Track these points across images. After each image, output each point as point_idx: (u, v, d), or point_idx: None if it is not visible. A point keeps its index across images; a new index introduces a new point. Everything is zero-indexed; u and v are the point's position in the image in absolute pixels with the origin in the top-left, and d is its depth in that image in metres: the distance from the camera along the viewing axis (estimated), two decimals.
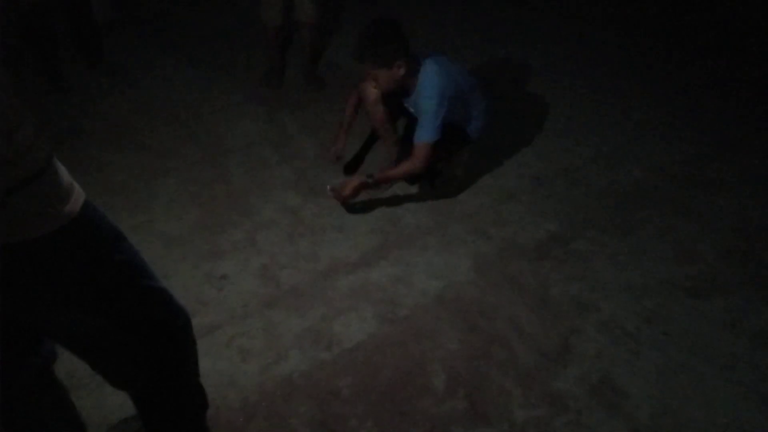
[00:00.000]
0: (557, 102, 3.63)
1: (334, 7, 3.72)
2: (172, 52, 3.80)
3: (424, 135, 2.60)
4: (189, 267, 2.58)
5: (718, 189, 3.07)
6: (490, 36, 4.34)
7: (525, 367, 2.27)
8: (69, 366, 1.84)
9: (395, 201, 2.94)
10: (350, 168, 3.07)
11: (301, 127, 3.34)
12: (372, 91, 2.71)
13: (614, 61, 4.00)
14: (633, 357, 2.32)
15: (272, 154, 3.17)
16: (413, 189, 2.99)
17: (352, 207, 2.87)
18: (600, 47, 4.15)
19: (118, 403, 1.98)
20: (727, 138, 3.38)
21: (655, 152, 3.30)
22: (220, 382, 2.17)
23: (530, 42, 4.27)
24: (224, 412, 2.08)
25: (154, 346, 1.24)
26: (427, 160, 2.63)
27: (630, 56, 4.02)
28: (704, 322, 2.46)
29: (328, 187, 2.76)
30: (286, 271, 2.59)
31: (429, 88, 2.54)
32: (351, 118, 2.91)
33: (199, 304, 2.43)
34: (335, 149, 2.98)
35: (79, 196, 1.03)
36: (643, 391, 2.21)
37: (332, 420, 2.08)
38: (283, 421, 2.07)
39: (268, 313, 2.41)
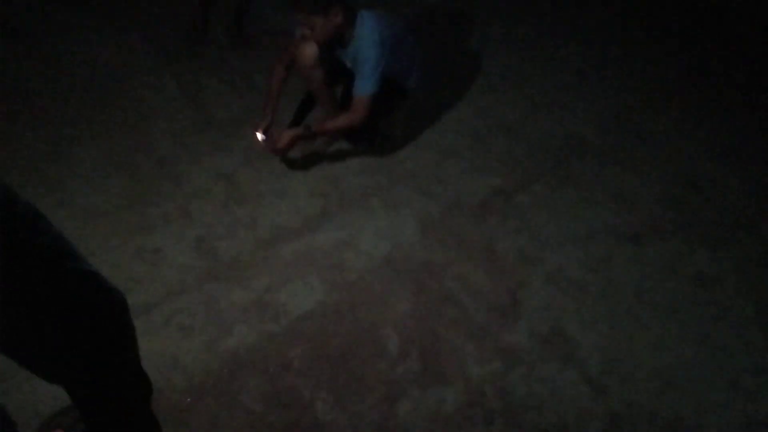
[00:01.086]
0: (492, 52, 3.56)
1: None
2: (83, 10, 3.46)
3: (365, 86, 2.48)
4: (118, 243, 2.40)
5: (652, 139, 3.12)
6: None
7: (476, 323, 2.26)
8: None
9: (335, 160, 2.83)
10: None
11: (227, 87, 3.13)
12: (309, 52, 2.55)
13: (548, 9, 3.94)
14: (581, 306, 2.35)
15: (199, 116, 2.96)
16: (353, 147, 2.88)
17: (290, 162, 2.74)
18: None
19: (52, 395, 1.83)
20: (661, 88, 3.42)
21: (589, 102, 3.31)
22: (162, 363, 2.04)
23: None
24: (169, 395, 1.96)
25: (88, 335, 1.11)
26: (367, 112, 2.52)
27: (567, 3, 3.98)
28: (647, 268, 2.51)
29: (258, 135, 2.59)
30: (225, 242, 2.45)
31: (368, 37, 2.42)
32: (279, 85, 2.68)
33: (131, 281, 2.26)
34: (263, 124, 2.65)
35: None
36: (593, 340, 2.24)
37: (285, 393, 2.00)
38: (233, 398, 1.98)
39: (208, 287, 2.28)
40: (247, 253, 2.42)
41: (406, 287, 2.35)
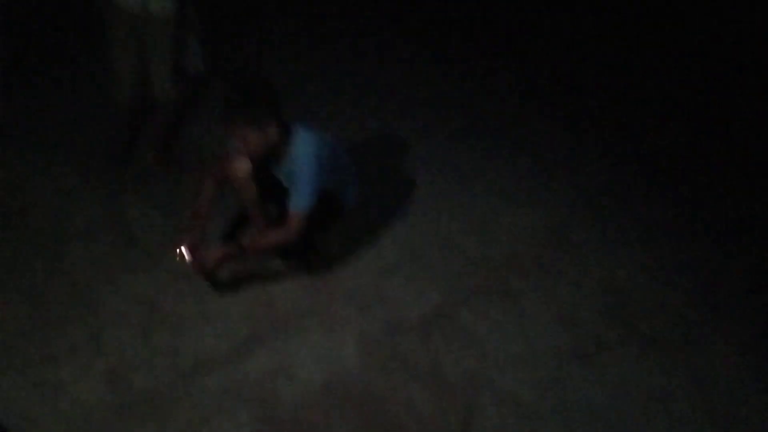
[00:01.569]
0: (426, 172, 3.60)
1: (194, 89, 3.44)
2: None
3: (300, 202, 2.38)
4: (13, 376, 2.08)
5: (583, 250, 3.14)
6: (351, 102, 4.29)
7: None
8: None
9: (268, 280, 2.65)
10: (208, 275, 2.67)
11: (152, 209, 2.94)
12: (242, 166, 2.46)
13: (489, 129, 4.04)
14: (539, 428, 2.18)
15: (120, 238, 2.75)
16: (286, 266, 2.73)
17: (217, 284, 2.54)
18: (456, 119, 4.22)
19: None
20: (584, 200, 3.50)
21: (521, 220, 3.34)
22: None
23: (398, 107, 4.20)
24: None
25: None
26: (302, 229, 2.40)
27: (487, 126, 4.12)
28: (597, 387, 2.40)
29: (184, 252, 2.37)
30: (140, 373, 2.17)
31: (304, 153, 2.36)
32: (209, 202, 2.54)
33: (24, 421, 1.93)
34: (189, 241, 2.42)
35: None
36: None
37: None
38: None
39: (119, 426, 1.98)
40: (165, 385, 2.15)
41: (347, 419, 2.12)
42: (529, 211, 3.42)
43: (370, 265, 2.84)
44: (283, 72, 4.04)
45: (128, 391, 2.10)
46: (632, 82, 4.71)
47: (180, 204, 3.00)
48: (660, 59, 5.01)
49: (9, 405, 1.97)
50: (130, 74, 3.05)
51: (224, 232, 2.70)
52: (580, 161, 3.88)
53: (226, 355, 2.29)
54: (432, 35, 4.99)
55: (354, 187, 2.70)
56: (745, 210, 3.54)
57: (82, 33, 3.84)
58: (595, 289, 2.89)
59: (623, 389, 2.40)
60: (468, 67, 4.60)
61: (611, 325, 2.70)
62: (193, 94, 3.23)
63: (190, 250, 2.42)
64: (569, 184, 3.65)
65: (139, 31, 2.92)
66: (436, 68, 4.56)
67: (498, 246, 3.10)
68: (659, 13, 5.42)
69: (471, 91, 4.36)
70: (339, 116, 3.82)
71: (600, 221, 3.36)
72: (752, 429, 2.32)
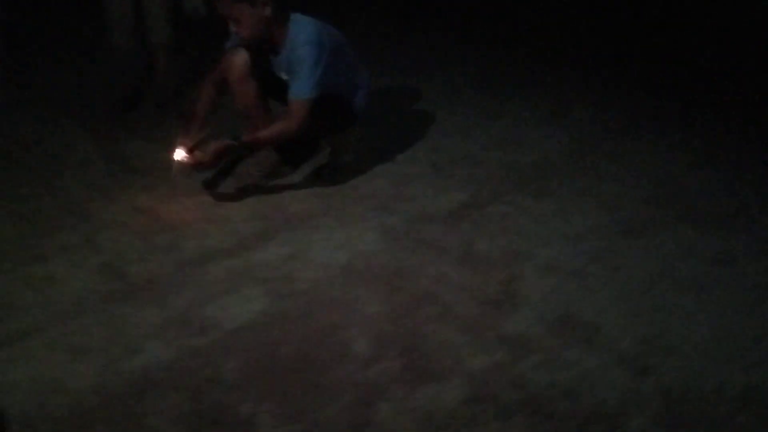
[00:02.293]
0: (441, 97, 3.42)
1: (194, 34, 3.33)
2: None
3: (302, 89, 2.20)
4: (1, 274, 1.86)
5: (618, 154, 2.88)
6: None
7: (466, 317, 1.76)
8: None
9: (277, 190, 2.43)
10: (211, 184, 2.44)
11: (150, 142, 2.74)
12: (239, 60, 2.30)
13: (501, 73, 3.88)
14: (589, 293, 1.90)
15: (116, 166, 2.56)
16: (297, 178, 2.51)
17: (220, 195, 2.33)
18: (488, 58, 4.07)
19: None
20: (610, 118, 3.28)
21: (547, 137, 3.10)
22: (39, 388, 1.44)
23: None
24: (44, 425, 1.34)
25: None
26: (306, 119, 2.20)
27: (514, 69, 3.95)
28: (653, 255, 2.11)
29: (180, 153, 2.18)
30: (137, 266, 1.94)
31: (305, 38, 2.19)
32: (207, 104, 2.36)
33: (8, 309, 1.71)
34: (186, 142, 2.23)
35: None
36: (615, 322, 1.77)
37: (212, 410, 1.41)
38: (137, 422, 1.38)
39: (111, 308, 1.75)
40: (165, 274, 1.91)
41: (372, 291, 1.86)
42: (554, 130, 3.19)
43: (388, 175, 2.61)
44: None
45: (122, 280, 1.87)
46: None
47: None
48: None
49: None
50: (125, 18, 2.96)
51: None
52: (598, 95, 3.67)
53: (233, 248, 2.06)
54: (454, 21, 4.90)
55: (364, 90, 2.51)
56: None
57: None
58: (636, 183, 2.62)
59: (682, 257, 2.10)
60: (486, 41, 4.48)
61: (659, 209, 2.42)
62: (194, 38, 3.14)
63: (187, 150, 2.23)
64: (590, 111, 3.43)
65: None
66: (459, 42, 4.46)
67: (528, 158, 2.86)
68: None
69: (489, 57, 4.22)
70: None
71: (634, 130, 3.12)
72: None
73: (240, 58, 2.31)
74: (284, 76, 2.34)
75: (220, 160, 2.23)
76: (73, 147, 2.70)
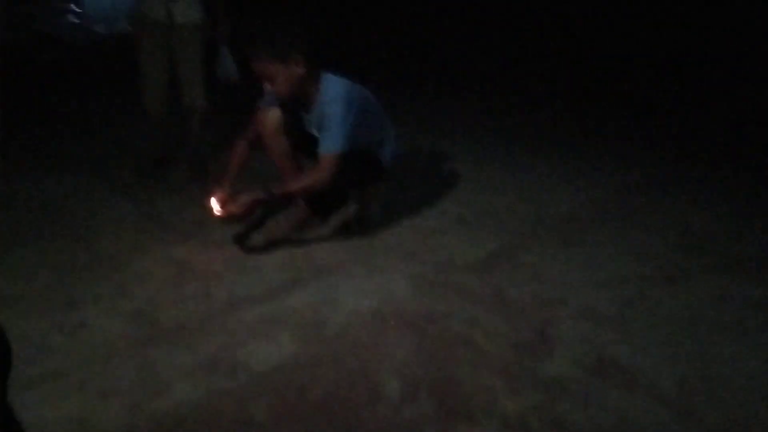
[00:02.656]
0: (468, 155, 3.47)
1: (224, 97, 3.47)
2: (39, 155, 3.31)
3: (331, 144, 2.25)
4: (33, 320, 1.88)
5: (647, 209, 2.87)
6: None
7: (500, 360, 1.72)
8: None
9: (306, 242, 2.45)
10: (242, 237, 2.49)
11: (186, 201, 2.82)
12: (271, 117, 2.39)
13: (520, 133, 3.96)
14: (625, 337, 1.84)
15: (148, 222, 2.61)
16: (326, 230, 2.54)
17: (251, 249, 2.36)
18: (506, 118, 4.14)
19: None
20: (638, 174, 3.29)
21: (577, 190, 3.11)
22: (67, 428, 1.43)
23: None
24: None
25: None
26: (334, 172, 2.24)
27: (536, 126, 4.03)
28: (688, 300, 2.07)
29: (213, 202, 2.24)
30: (168, 312, 1.95)
31: (334, 95, 2.27)
32: (240, 161, 2.44)
33: (43, 351, 1.72)
34: (218, 193, 2.31)
35: None
36: (653, 365, 1.71)
37: None
38: None
39: (143, 352, 1.74)
40: (196, 320, 1.91)
41: (403, 335, 1.83)
42: (580, 185, 3.21)
43: (415, 226, 2.63)
44: None
45: (153, 325, 1.87)
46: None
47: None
48: None
49: (26, 340, 1.76)
50: (160, 84, 3.09)
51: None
52: (622, 151, 3.71)
53: (263, 295, 2.06)
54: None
55: (391, 146, 2.57)
56: None
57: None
58: (663, 233, 2.61)
59: (715, 302, 2.06)
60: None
61: (689, 256, 2.39)
62: (227, 102, 3.25)
63: (219, 201, 2.29)
64: (615, 167, 3.46)
65: (167, 41, 3.01)
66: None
67: (553, 209, 2.87)
68: None
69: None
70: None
71: (657, 184, 3.13)
72: None
73: (273, 115, 2.39)
74: (315, 132, 2.41)
75: (251, 212, 2.27)
76: (107, 205, 2.78)
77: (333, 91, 2.28)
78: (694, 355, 1.74)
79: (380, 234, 2.54)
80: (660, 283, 2.17)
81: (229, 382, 1.61)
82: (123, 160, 3.26)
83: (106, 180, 3.08)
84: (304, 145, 2.47)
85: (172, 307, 1.97)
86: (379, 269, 2.24)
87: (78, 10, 8.33)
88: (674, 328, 1.89)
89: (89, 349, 1.74)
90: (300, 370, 1.66)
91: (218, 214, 2.26)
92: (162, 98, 3.10)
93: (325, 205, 2.51)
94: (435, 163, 3.46)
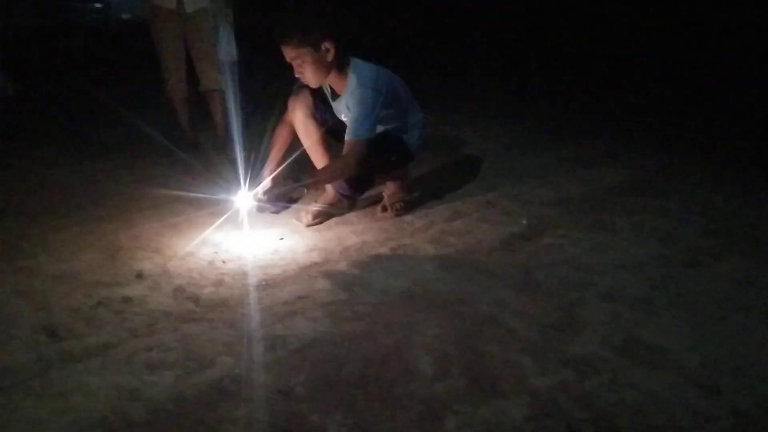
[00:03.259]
0: (496, 142, 3.50)
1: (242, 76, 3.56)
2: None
3: (359, 129, 2.31)
4: (81, 296, 1.98)
5: (670, 191, 2.89)
6: None
7: (528, 339, 1.77)
8: None
9: (335, 225, 2.52)
10: (272, 214, 2.60)
11: (214, 189, 2.88)
12: (302, 103, 2.45)
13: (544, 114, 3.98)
14: (654, 317, 1.88)
15: (184, 206, 2.71)
16: (354, 214, 2.60)
17: (281, 231, 2.43)
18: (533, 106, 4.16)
19: None
20: (662, 161, 3.30)
21: (601, 174, 3.14)
22: (118, 396, 1.51)
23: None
24: (123, 429, 1.40)
25: None
26: (361, 158, 2.30)
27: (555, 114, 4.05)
28: (716, 282, 2.09)
29: (251, 194, 2.34)
30: (208, 290, 2.03)
31: (362, 77, 2.32)
32: (281, 147, 2.54)
33: (89, 326, 1.81)
34: (259, 185, 2.47)
35: None
36: (682, 345, 1.75)
37: (283, 419, 1.45)
38: (212, 427, 1.42)
39: (186, 327, 1.82)
40: (234, 297, 1.99)
41: (432, 315, 1.89)
42: (607, 170, 3.24)
43: (443, 210, 2.69)
44: None
45: (195, 302, 1.95)
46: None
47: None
48: None
49: (74, 314, 1.86)
50: (178, 70, 3.20)
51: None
52: (649, 138, 3.71)
53: (296, 275, 2.13)
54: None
55: (419, 129, 2.62)
56: None
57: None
58: (690, 216, 2.63)
59: (744, 284, 2.08)
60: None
61: (718, 239, 2.41)
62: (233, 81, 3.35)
63: (254, 189, 2.37)
64: (640, 153, 3.47)
65: (180, 29, 3.10)
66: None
67: (579, 193, 2.91)
68: None
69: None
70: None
71: (684, 168, 3.13)
72: None
73: (303, 102, 2.45)
74: (344, 118, 2.46)
75: (283, 199, 2.34)
76: (144, 189, 2.88)
77: (361, 77, 2.33)
78: (721, 336, 1.77)
79: (408, 217, 2.60)
80: (686, 266, 2.20)
81: (269, 356, 1.68)
82: (155, 145, 3.36)
83: (141, 164, 3.18)
84: (333, 130, 2.53)
85: (211, 286, 2.05)
86: (407, 252, 2.30)
87: None
88: (700, 309, 1.92)
89: (135, 324, 1.83)
90: (335, 347, 1.72)
91: (258, 200, 2.34)
92: (182, 83, 3.21)
93: (352, 189, 2.57)
94: (460, 148, 3.50)
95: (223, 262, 2.22)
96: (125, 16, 7.91)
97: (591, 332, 1.79)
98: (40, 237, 2.40)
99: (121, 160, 3.24)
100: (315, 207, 2.54)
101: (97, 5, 8.54)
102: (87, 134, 3.62)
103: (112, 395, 1.51)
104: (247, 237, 2.42)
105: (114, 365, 1.63)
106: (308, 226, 2.46)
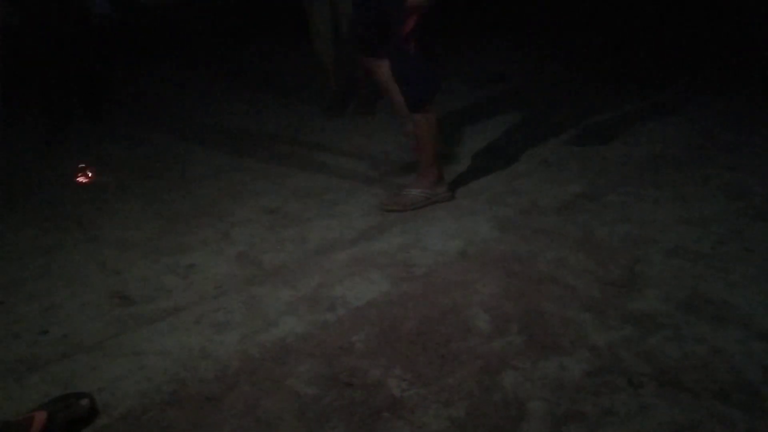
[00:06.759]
0: (554, 98, 3.42)
1: None
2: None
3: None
4: (148, 263, 2.08)
5: (742, 150, 2.75)
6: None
7: (588, 297, 1.74)
8: None
9: (390, 187, 2.53)
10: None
11: (268, 158, 2.96)
12: (384, 66, 2.35)
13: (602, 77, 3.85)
14: (720, 273, 1.82)
15: (242, 176, 2.78)
16: (409, 177, 2.59)
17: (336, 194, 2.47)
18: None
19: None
20: (731, 116, 3.13)
21: (662, 130, 3.02)
22: (189, 355, 1.59)
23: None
24: (194, 386, 1.48)
25: None
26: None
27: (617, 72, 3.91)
28: None
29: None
30: (269, 255, 2.10)
31: None
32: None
33: (159, 290, 1.91)
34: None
35: None
36: (748, 300, 1.69)
37: (346, 374, 1.49)
38: (277, 383, 1.48)
39: (250, 290, 1.89)
40: (294, 261, 2.05)
41: (489, 274, 1.89)
42: (670, 124, 3.12)
43: (499, 171, 2.66)
44: None
45: (258, 266, 2.02)
46: None
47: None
48: None
49: (144, 282, 1.96)
50: (327, 34, 3.32)
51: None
52: (714, 91, 3.53)
53: (353, 239, 2.17)
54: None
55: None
56: None
57: None
58: (757, 171, 2.51)
59: None
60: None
61: None
62: None
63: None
64: (706, 105, 3.31)
65: None
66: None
67: (642, 148, 2.82)
68: None
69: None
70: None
71: (750, 123, 2.98)
72: None
73: (384, 64, 2.32)
74: None
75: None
76: (202, 161, 2.98)
77: None
78: None
79: (463, 178, 2.58)
80: (752, 220, 2.11)
81: (330, 316, 1.73)
82: (206, 119, 3.45)
83: (196, 138, 3.27)
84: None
85: (272, 250, 2.12)
86: (463, 213, 2.29)
87: None
88: (767, 264, 1.84)
89: (201, 287, 1.91)
90: (393, 306, 1.75)
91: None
92: (330, 46, 3.33)
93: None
94: (514, 109, 3.44)
95: (282, 227, 2.27)
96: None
97: (654, 288, 1.76)
98: (99, 205, 2.53)
99: (174, 134, 3.34)
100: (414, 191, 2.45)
101: None
102: (137, 113, 3.72)
103: (183, 354, 1.59)
104: (304, 203, 2.46)
105: (183, 327, 1.71)
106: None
